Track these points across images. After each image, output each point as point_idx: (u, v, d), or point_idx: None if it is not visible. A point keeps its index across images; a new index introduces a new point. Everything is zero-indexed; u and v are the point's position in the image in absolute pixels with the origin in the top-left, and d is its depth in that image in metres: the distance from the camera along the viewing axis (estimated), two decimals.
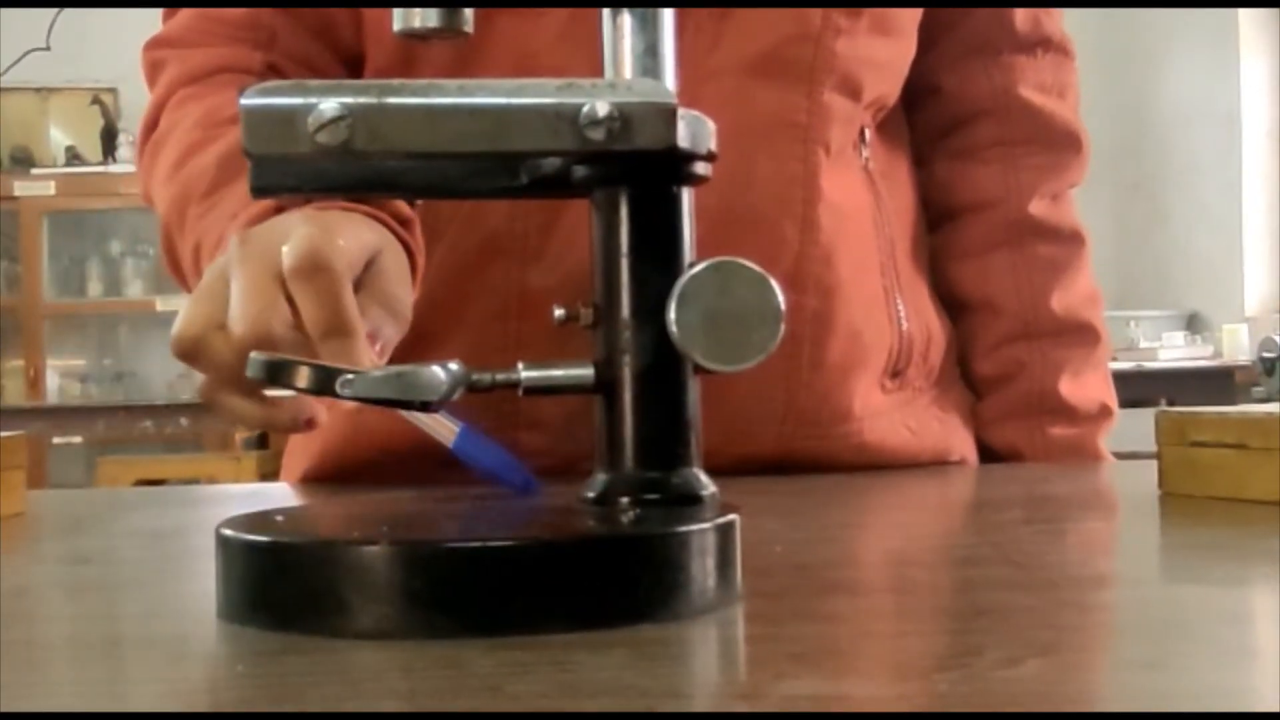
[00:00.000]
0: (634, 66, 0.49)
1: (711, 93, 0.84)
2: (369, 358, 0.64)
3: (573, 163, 0.47)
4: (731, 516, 0.44)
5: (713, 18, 0.85)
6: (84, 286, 5.69)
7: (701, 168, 0.48)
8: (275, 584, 0.41)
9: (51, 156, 5.74)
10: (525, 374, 0.48)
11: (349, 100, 0.43)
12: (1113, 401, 1.00)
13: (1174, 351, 4.68)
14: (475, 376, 0.47)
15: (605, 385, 0.48)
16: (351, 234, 0.70)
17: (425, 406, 0.46)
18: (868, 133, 0.93)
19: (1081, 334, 0.99)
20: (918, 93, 0.98)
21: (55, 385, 5.59)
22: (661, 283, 0.46)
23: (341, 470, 0.92)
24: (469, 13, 0.50)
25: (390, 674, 0.36)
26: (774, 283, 0.46)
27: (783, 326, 0.46)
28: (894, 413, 0.92)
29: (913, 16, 0.93)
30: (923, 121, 1.00)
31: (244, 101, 0.43)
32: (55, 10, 5.62)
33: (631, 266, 0.47)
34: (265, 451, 5.43)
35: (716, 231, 0.86)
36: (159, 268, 5.73)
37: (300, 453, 0.97)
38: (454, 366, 0.47)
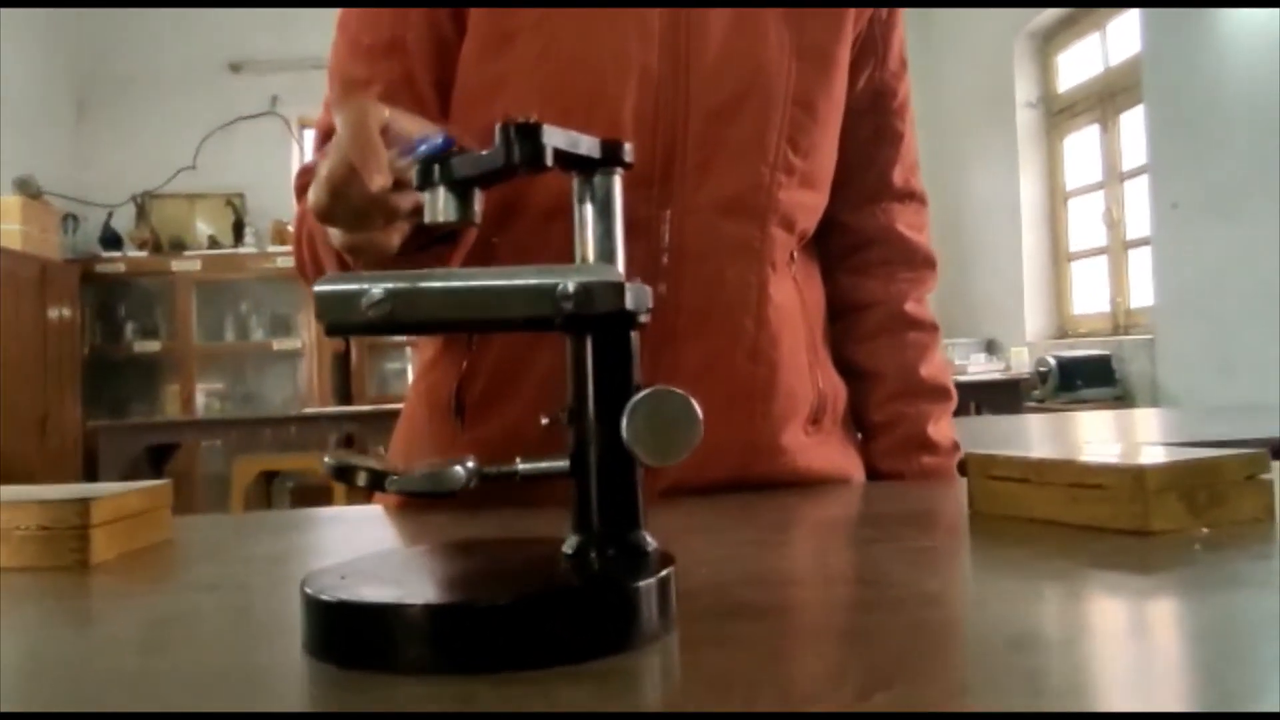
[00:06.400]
0: (595, 247, 0.48)
1: (694, 224, 0.83)
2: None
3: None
4: (668, 570, 0.43)
5: (696, 171, 0.83)
6: (222, 334, 5.63)
7: (644, 318, 0.47)
8: (338, 632, 0.40)
9: (198, 243, 5.67)
10: (521, 466, 0.47)
11: (391, 286, 0.41)
12: (957, 440, 1.00)
13: (978, 367, 4.70)
14: (485, 469, 0.46)
15: (577, 471, 0.46)
16: None
17: (452, 495, 0.44)
18: (795, 254, 0.91)
19: (941, 393, 0.99)
20: (826, 226, 0.96)
21: (202, 403, 5.52)
22: (615, 399, 0.45)
23: None
24: (479, 207, 0.49)
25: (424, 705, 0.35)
26: (694, 402, 0.45)
27: (701, 430, 0.45)
28: (815, 449, 0.91)
29: (829, 175, 0.92)
30: (828, 246, 0.99)
31: (316, 288, 0.41)
32: (199, 139, 5.56)
33: (595, 388, 0.46)
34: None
35: (696, 323, 0.86)
36: (274, 319, 5.69)
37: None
38: (470, 464, 0.45)
